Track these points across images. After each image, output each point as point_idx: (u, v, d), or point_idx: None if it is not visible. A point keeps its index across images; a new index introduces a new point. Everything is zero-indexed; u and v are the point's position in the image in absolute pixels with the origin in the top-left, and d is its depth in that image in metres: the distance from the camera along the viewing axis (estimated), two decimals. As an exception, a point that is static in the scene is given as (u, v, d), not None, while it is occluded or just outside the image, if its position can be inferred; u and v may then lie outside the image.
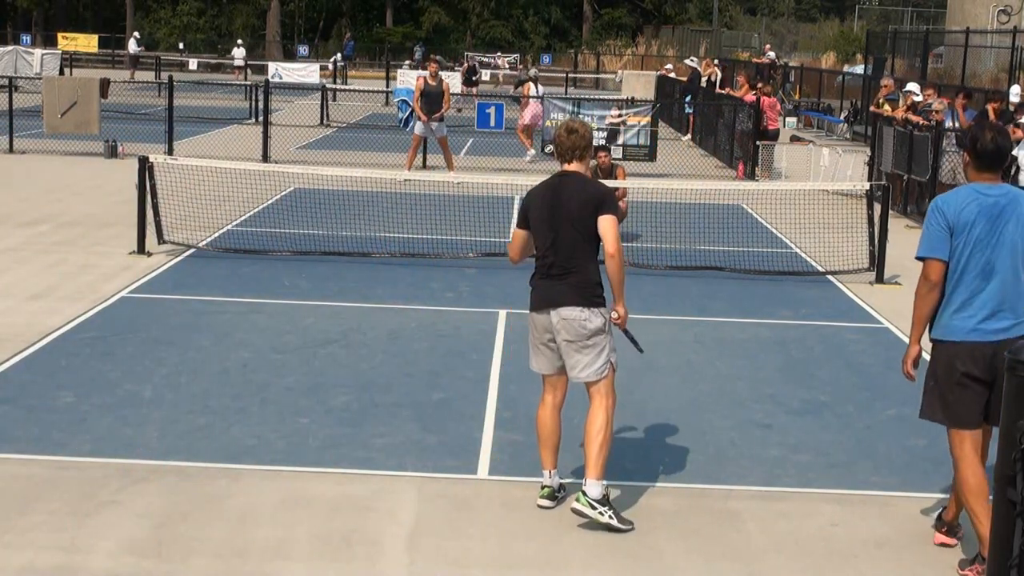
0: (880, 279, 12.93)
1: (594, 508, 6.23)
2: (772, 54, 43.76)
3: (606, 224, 6.30)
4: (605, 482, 6.33)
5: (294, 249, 13.49)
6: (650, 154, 22.27)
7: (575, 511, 6.26)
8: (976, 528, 5.80)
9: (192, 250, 13.42)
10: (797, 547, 6.24)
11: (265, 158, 21.60)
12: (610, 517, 6.25)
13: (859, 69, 35.99)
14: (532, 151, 23.21)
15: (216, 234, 14.37)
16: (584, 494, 6.25)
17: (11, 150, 21.96)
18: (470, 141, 25.85)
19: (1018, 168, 14.96)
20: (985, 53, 33.05)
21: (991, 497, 4.50)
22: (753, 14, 75.00)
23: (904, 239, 15.71)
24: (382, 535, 6.18)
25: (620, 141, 21.99)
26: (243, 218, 15.59)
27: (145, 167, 13.27)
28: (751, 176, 21.55)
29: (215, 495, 6.62)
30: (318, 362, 9.24)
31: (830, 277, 13.22)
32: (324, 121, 30.48)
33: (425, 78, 20.02)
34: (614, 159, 16.85)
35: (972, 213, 5.77)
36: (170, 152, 21.41)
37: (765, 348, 10.19)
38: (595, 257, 6.40)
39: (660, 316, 11.21)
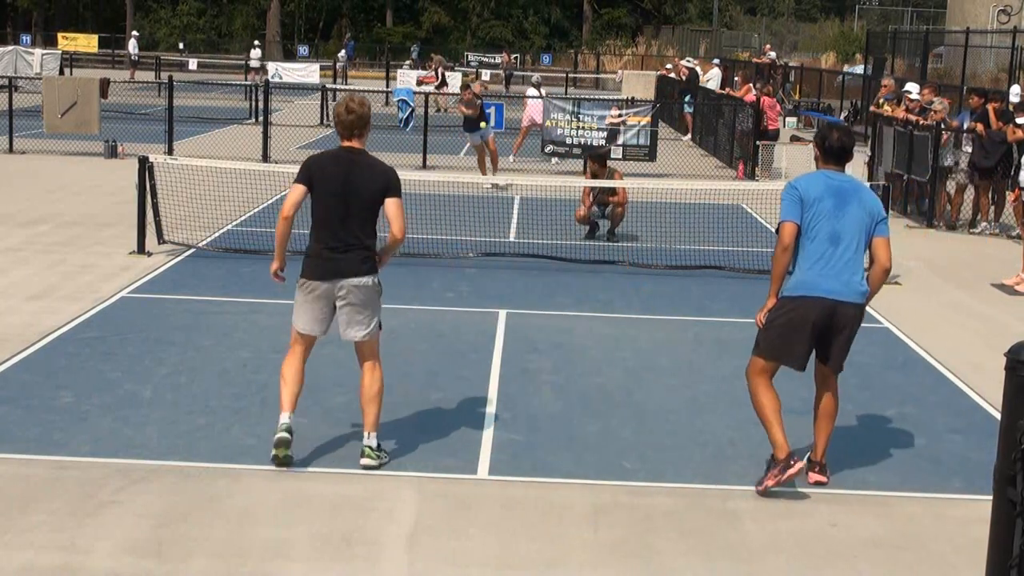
0: (880, 279, 12.92)
1: (378, 456, 7.09)
2: (773, 54, 43.75)
3: (393, 208, 6.98)
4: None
5: (293, 249, 13.44)
6: (650, 154, 22.28)
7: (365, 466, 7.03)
8: (771, 436, 6.87)
9: (192, 250, 13.42)
10: (796, 547, 6.24)
11: (265, 158, 21.60)
12: (386, 458, 7.15)
13: (859, 69, 35.95)
14: (511, 156, 23.24)
15: (216, 234, 14.38)
16: (370, 448, 7.07)
17: (11, 150, 21.97)
18: (470, 141, 25.81)
19: (1018, 167, 14.95)
20: (985, 53, 33.05)
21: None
22: (753, 14, 74.97)
23: (904, 239, 15.72)
24: (382, 535, 6.19)
25: (620, 141, 22.00)
26: (243, 218, 15.59)
27: (145, 167, 13.27)
28: (751, 176, 21.56)
29: (215, 495, 6.62)
30: (318, 362, 9.23)
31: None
32: (324, 121, 30.47)
33: (462, 107, 20.21)
34: (613, 158, 16.92)
35: (820, 190, 6.78)
36: (170, 152, 21.41)
37: (765, 348, 10.17)
38: (375, 231, 7.08)
39: (660, 316, 11.21)
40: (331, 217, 6.99)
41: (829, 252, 6.72)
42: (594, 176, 15.00)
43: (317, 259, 7.06)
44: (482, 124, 19.97)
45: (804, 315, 6.74)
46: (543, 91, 25.58)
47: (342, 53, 49.09)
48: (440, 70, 39.34)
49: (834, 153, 6.92)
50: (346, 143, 7.08)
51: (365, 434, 7.13)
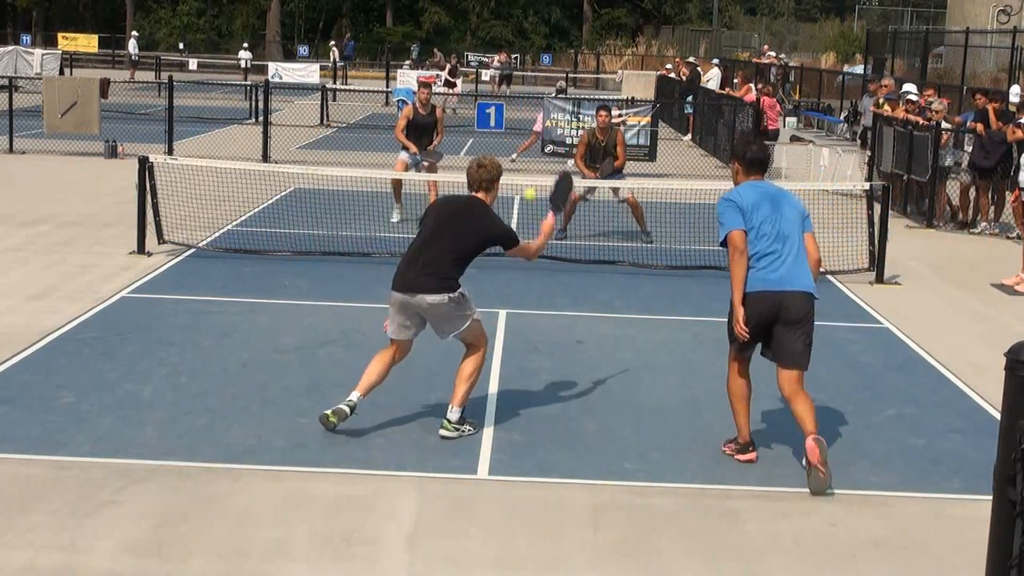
0: (880, 279, 12.94)
1: (458, 429, 7.64)
2: (771, 53, 43.74)
3: (515, 251, 7.83)
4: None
5: (294, 249, 13.50)
6: (650, 154, 22.27)
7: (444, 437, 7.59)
8: (736, 419, 7.41)
9: (192, 250, 13.42)
10: (796, 547, 6.24)
11: (265, 158, 21.61)
12: (468, 430, 7.66)
13: (859, 69, 35.95)
14: (513, 155, 23.15)
15: (216, 234, 14.38)
16: (448, 420, 7.64)
17: (11, 150, 21.96)
18: (470, 141, 25.85)
19: (1018, 167, 14.96)
20: (985, 53, 33.06)
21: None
22: (753, 14, 74.99)
23: (904, 239, 15.72)
24: (382, 535, 6.19)
25: (620, 141, 21.96)
26: (243, 218, 15.59)
27: (145, 167, 13.27)
28: (751, 176, 21.52)
29: (215, 495, 6.62)
30: (318, 362, 9.25)
31: (830, 277, 13.21)
32: (324, 121, 30.49)
33: (415, 105, 15.80)
34: (615, 121, 16.84)
35: (755, 197, 7.22)
36: (170, 152, 21.41)
37: (765, 348, 10.18)
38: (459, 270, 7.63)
39: (660, 316, 11.21)
40: (423, 238, 7.61)
41: (778, 249, 7.12)
42: (602, 128, 14.97)
43: (400, 274, 7.66)
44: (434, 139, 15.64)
45: (755, 310, 7.10)
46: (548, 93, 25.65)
47: (333, 48, 49.00)
48: (451, 66, 39.21)
49: (756, 163, 7.44)
50: (472, 193, 7.78)
51: (449, 407, 7.66)
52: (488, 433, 7.77)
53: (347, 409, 7.46)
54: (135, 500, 6.51)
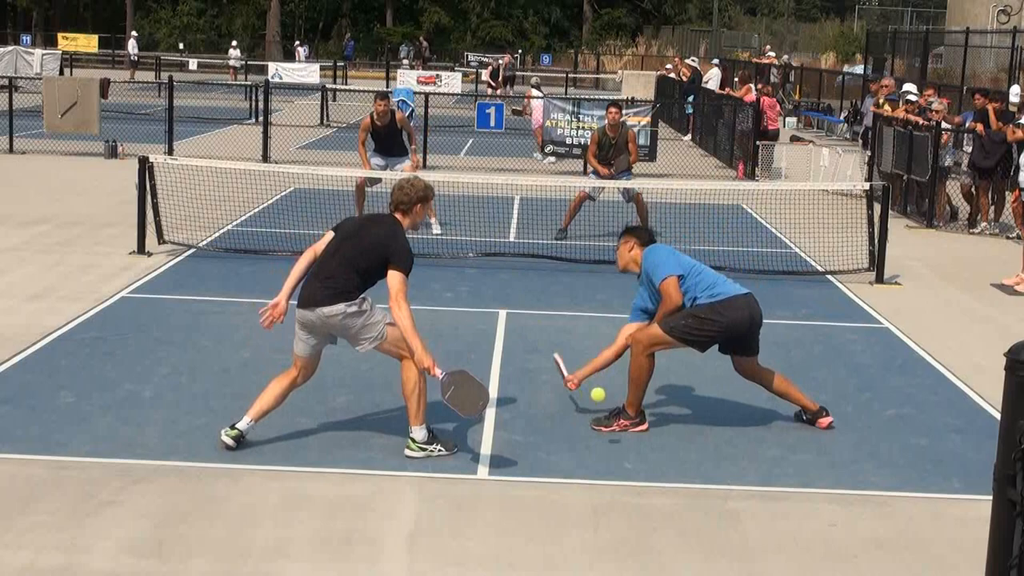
0: (880, 279, 12.94)
1: (424, 449, 7.25)
2: (772, 53, 43.73)
3: (393, 280, 7.21)
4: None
5: (294, 249, 13.47)
6: (650, 154, 22.27)
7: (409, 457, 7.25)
8: (636, 396, 7.90)
9: (192, 250, 13.42)
10: (796, 547, 6.24)
11: (265, 158, 21.60)
12: (439, 450, 7.29)
13: (859, 69, 35.97)
14: (538, 154, 23.26)
15: (216, 234, 14.38)
16: (412, 439, 7.26)
17: (11, 150, 21.96)
18: (470, 141, 25.85)
19: (1018, 168, 14.96)
20: (985, 53, 33.06)
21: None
22: (753, 14, 74.95)
23: (904, 239, 15.72)
24: (382, 535, 6.19)
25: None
26: (243, 218, 15.59)
27: (145, 167, 13.27)
28: (751, 176, 21.56)
29: (215, 495, 6.62)
30: (320, 361, 9.23)
31: (830, 277, 13.22)
32: (324, 121, 30.47)
33: (372, 116, 14.95)
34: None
35: (677, 254, 8.05)
36: (170, 152, 21.41)
37: (764, 348, 10.13)
38: (360, 280, 7.28)
39: (660, 316, 11.20)
40: (328, 250, 7.32)
41: (722, 274, 8.17)
42: (612, 124, 14.99)
43: (302, 289, 7.30)
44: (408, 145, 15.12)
45: (745, 314, 7.79)
46: (543, 91, 25.72)
47: (299, 51, 49.22)
48: (492, 68, 39.23)
49: (652, 239, 8.23)
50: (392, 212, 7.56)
51: (409, 427, 7.33)
52: (488, 433, 7.78)
53: (231, 441, 7.22)
54: (135, 500, 6.51)
